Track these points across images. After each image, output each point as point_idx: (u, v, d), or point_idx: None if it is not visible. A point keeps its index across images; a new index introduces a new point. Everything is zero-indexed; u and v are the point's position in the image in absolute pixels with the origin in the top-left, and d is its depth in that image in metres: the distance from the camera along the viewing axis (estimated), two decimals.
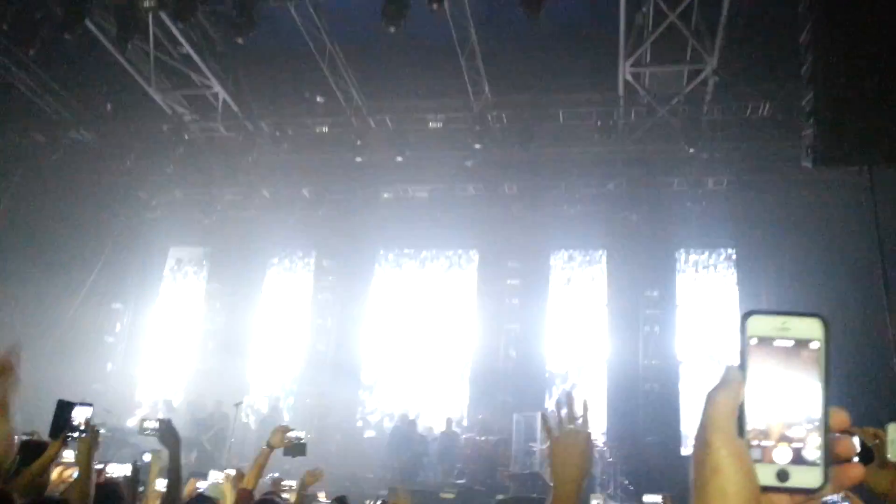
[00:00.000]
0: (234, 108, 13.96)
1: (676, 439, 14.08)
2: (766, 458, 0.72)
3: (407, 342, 17.14)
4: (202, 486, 6.51)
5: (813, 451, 0.72)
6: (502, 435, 13.57)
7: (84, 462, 3.48)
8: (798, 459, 0.72)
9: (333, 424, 15.01)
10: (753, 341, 0.74)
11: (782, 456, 0.72)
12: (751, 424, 0.72)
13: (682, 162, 13.98)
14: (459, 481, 12.54)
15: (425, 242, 16.89)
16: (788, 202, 14.04)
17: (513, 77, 13.11)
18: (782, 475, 0.71)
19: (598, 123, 13.12)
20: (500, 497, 10.28)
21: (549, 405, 14.93)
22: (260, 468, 3.79)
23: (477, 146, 13.17)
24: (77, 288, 15.00)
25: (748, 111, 13.02)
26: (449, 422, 14.21)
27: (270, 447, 3.76)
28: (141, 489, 5.50)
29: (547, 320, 16.39)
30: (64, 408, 4.03)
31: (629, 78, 12.07)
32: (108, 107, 14.44)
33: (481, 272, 16.87)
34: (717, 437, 0.71)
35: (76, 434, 3.96)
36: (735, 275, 15.66)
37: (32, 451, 4.01)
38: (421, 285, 17.48)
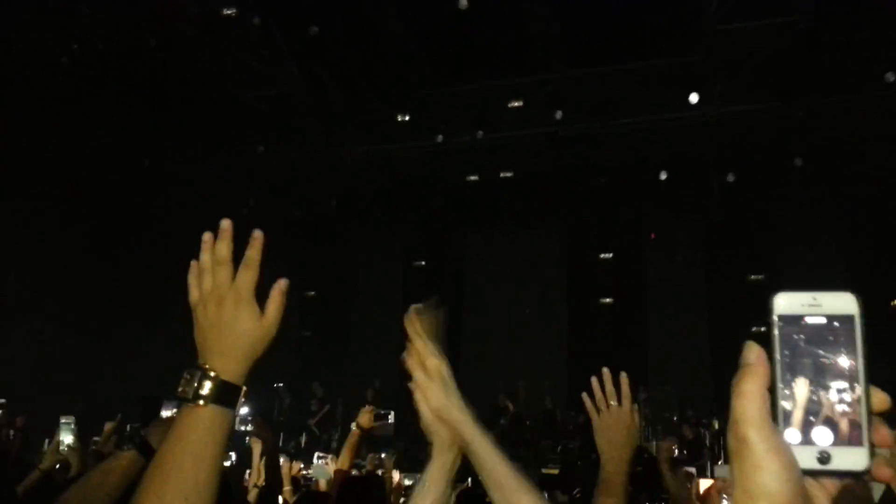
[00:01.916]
0: (315, 103, 14.21)
1: None
2: (805, 440, 0.68)
3: (501, 317, 17.07)
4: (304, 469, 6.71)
5: (855, 431, 0.68)
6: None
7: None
8: (840, 440, 0.68)
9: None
10: (782, 320, 0.71)
11: (823, 437, 0.68)
12: (787, 406, 0.69)
13: (777, 121, 13.28)
14: (563, 456, 12.45)
15: (513, 223, 16.78)
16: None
17: (592, 47, 12.77)
18: (823, 457, 0.68)
19: (686, 88, 12.63)
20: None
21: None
22: (352, 449, 3.88)
23: (558, 116, 12.90)
24: (174, 292, 15.71)
25: (848, 63, 12.19)
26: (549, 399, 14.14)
27: (360, 428, 3.84)
28: (247, 473, 5.74)
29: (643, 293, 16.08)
30: (150, 403, 4.24)
31: (715, 36, 11.56)
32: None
33: (571, 250, 16.69)
34: (754, 432, 0.68)
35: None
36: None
37: None
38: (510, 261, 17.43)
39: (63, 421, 4.14)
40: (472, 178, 15.81)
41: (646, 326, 15.82)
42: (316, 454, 8.06)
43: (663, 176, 14.11)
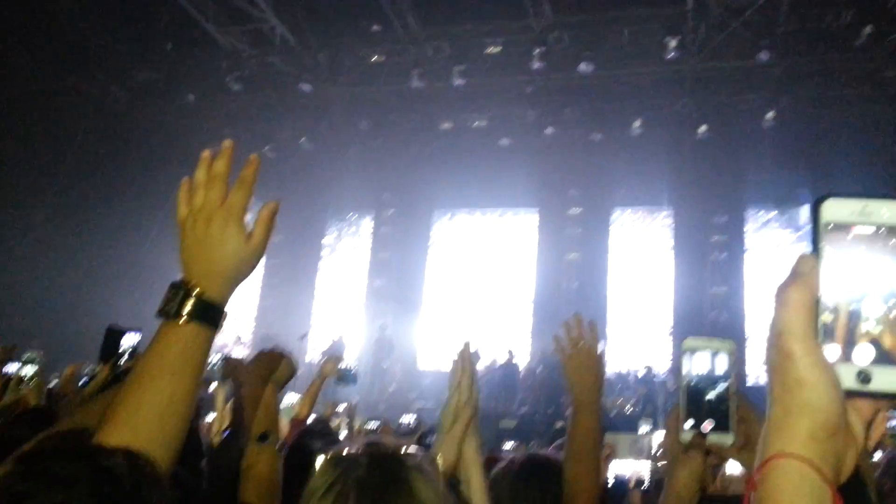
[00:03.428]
0: (291, 41, 13.86)
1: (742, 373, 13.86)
2: (845, 357, 0.64)
3: (470, 274, 17.18)
4: None
5: None
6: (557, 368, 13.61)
7: None
8: (882, 359, 0.63)
9: (394, 357, 15.29)
10: (829, 228, 0.66)
11: (864, 355, 0.64)
12: (828, 321, 0.65)
13: (756, 77, 13.22)
14: (521, 410, 12.68)
15: (485, 172, 16.65)
16: (870, 118, 13.20)
17: None
18: (864, 377, 0.64)
19: (666, 40, 12.43)
20: (560, 424, 10.41)
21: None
22: (312, 397, 3.86)
23: (537, 65, 12.65)
24: (148, 227, 15.49)
25: (828, 21, 12.12)
26: (510, 353, 14.29)
27: (322, 377, 3.82)
28: (211, 417, 5.72)
29: (609, 249, 16.13)
30: (113, 334, 4.15)
31: None
32: (168, 46, 14.57)
33: (543, 202, 16.62)
34: (798, 344, 0.64)
35: (124, 359, 4.10)
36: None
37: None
38: (482, 216, 17.40)
39: (26, 356, 4.05)
40: (447, 125, 15.58)
41: (607, 281, 15.90)
42: (288, 395, 8.05)
43: (637, 124, 14.04)
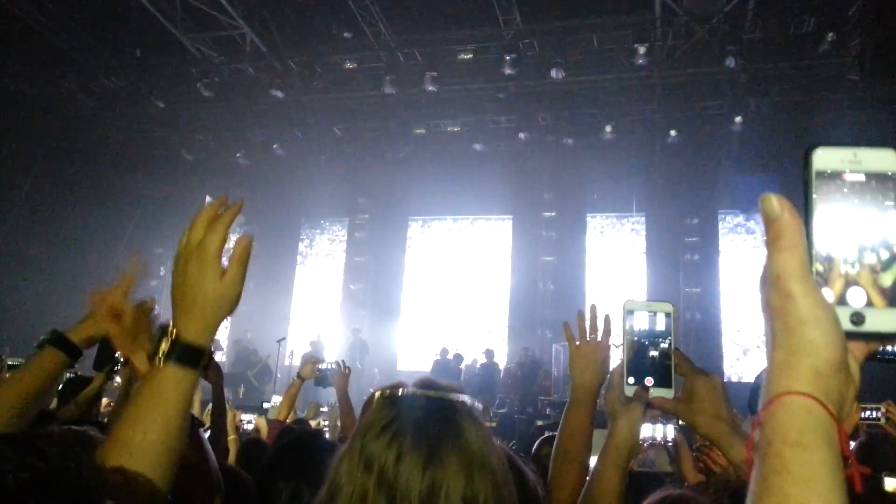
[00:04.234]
0: (262, 48, 13.82)
1: (719, 369, 14.07)
2: (838, 301, 0.66)
3: (446, 277, 17.25)
4: (246, 417, 6.70)
5: (891, 291, 0.66)
6: (543, 366, 13.72)
7: (122, 391, 3.61)
8: (875, 300, 0.66)
9: (372, 360, 15.32)
10: (820, 176, 0.68)
11: (857, 298, 0.66)
12: (819, 266, 0.67)
13: (723, 83, 13.49)
14: (500, 410, 12.75)
15: (459, 176, 16.74)
16: (834, 123, 13.54)
17: (544, 2, 12.64)
18: (857, 318, 0.66)
19: (635, 47, 12.61)
20: (539, 423, 10.47)
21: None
22: (291, 399, 3.87)
23: (508, 72, 12.76)
24: (118, 233, 15.33)
25: (791, 28, 12.42)
26: (489, 353, 14.38)
27: (301, 378, 3.83)
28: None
29: (585, 251, 16.32)
30: (108, 343, 4.14)
31: None
32: (137, 52, 14.43)
33: (516, 204, 16.77)
34: (798, 285, 0.65)
35: (118, 367, 4.10)
36: None
37: (78, 385, 4.16)
38: (454, 224, 17.47)
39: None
40: (420, 130, 15.65)
41: (585, 283, 16.10)
42: (274, 397, 8.06)
43: (608, 128, 14.22)
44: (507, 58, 12.74)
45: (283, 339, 13.61)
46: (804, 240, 0.67)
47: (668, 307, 1.48)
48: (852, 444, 3.84)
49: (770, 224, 0.68)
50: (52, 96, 14.26)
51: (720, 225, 15.90)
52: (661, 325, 1.47)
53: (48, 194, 14.03)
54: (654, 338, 1.47)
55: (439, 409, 1.17)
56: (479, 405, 1.24)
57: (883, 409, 3.78)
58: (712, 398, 1.41)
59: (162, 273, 17.29)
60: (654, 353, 1.46)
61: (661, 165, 15.20)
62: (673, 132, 14.19)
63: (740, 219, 15.84)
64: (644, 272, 15.94)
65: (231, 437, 4.61)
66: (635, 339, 1.47)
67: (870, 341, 0.68)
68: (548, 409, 12.47)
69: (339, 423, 4.00)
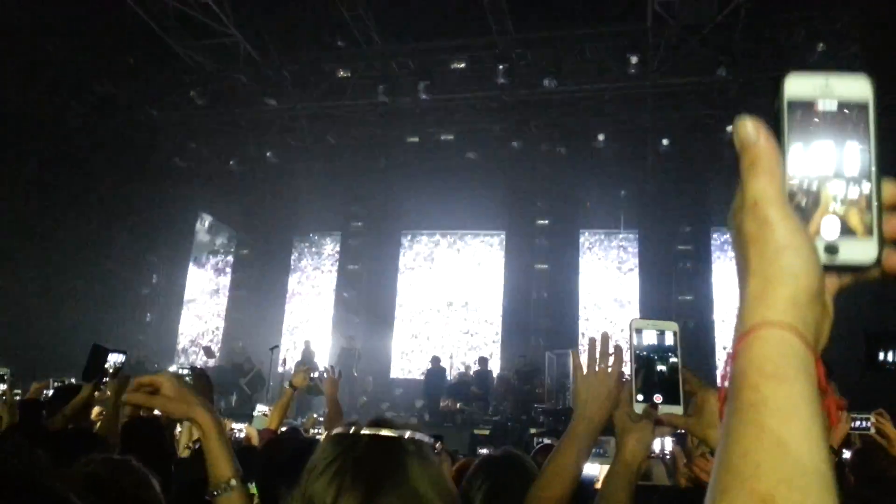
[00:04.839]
0: (256, 56, 13.83)
1: (711, 377, 14.08)
2: (812, 231, 0.65)
3: (439, 285, 17.25)
4: (237, 426, 6.69)
5: (864, 221, 0.64)
6: (536, 374, 13.73)
7: (111, 401, 3.60)
8: (848, 231, 0.64)
9: (365, 368, 15.29)
10: (792, 105, 0.66)
11: (830, 228, 0.65)
12: (793, 196, 0.65)
13: (714, 92, 13.57)
14: (494, 418, 12.73)
15: (452, 185, 16.77)
16: None
17: (536, 12, 12.70)
18: (831, 249, 0.64)
19: (627, 56, 12.68)
20: (533, 431, 10.47)
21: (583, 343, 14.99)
22: (283, 408, 3.85)
23: (501, 81, 12.82)
24: (110, 241, 15.28)
25: (782, 38, 12.51)
26: (483, 361, 14.37)
27: (293, 387, 3.82)
28: (178, 430, 5.68)
29: (579, 258, 16.36)
30: (98, 353, 4.14)
31: (658, 8, 11.63)
32: (130, 60, 14.41)
33: (509, 212, 16.81)
34: (775, 210, 0.63)
35: (107, 378, 4.09)
36: None
37: (66, 394, 4.15)
38: (447, 232, 17.48)
39: None
40: (413, 139, 15.67)
41: (579, 291, 16.14)
42: (258, 407, 8.04)
43: (601, 137, 14.28)
44: (500, 67, 12.80)
45: (276, 346, 13.58)
46: (781, 165, 0.65)
47: (674, 326, 1.55)
48: (847, 453, 3.85)
49: (746, 149, 0.66)
50: (44, 104, 14.20)
51: (714, 233, 15.96)
52: (668, 342, 1.52)
53: (40, 201, 13.97)
54: (661, 355, 1.51)
55: (384, 449, 1.15)
56: (433, 442, 1.22)
57: (873, 420, 3.79)
58: None
59: (154, 280, 17.27)
60: (662, 370, 1.50)
61: (653, 173, 15.25)
62: (665, 141, 14.27)
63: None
64: (637, 280, 15.99)
65: None
66: (644, 357, 1.51)
67: (843, 274, 0.67)
68: (541, 417, 12.47)
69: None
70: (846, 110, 0.66)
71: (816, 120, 0.66)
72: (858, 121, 0.65)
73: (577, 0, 12.32)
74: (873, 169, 0.65)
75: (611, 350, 1.82)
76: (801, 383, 0.60)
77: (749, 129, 0.66)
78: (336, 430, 1.21)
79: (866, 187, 0.64)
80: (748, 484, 0.55)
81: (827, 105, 0.66)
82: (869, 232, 0.64)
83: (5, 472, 1.00)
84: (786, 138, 0.66)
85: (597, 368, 1.80)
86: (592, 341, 1.85)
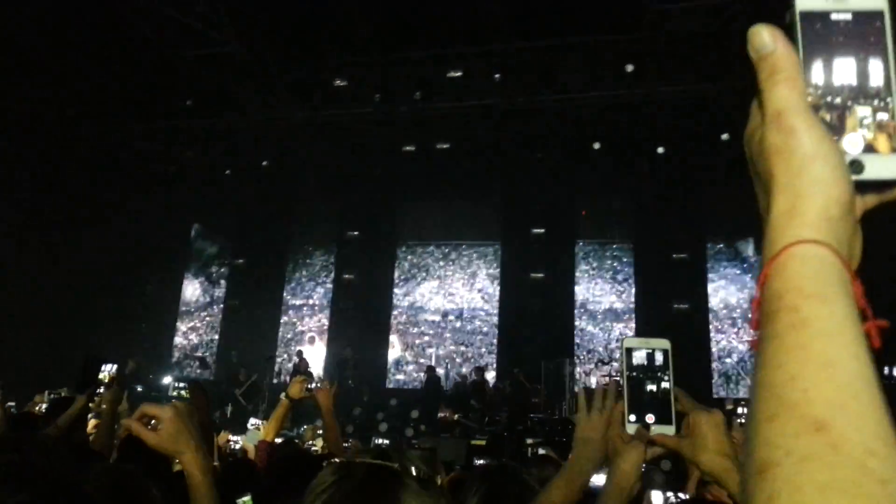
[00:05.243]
0: (252, 64, 13.80)
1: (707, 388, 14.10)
2: None
3: (435, 295, 17.21)
4: (233, 438, 6.64)
5: (889, 138, 0.61)
6: (532, 383, 13.70)
7: (105, 412, 3.56)
8: (870, 149, 0.61)
9: (361, 378, 15.21)
10: (805, 17, 0.64)
11: (854, 145, 0.62)
12: (815, 110, 0.62)
13: (710, 101, 13.60)
14: (490, 429, 12.68)
15: (448, 194, 16.74)
16: None
17: (532, 21, 12.73)
18: (856, 166, 0.61)
19: (623, 65, 12.71)
20: (529, 441, 10.43)
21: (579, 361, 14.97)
22: (279, 419, 3.81)
23: (497, 90, 12.85)
24: (104, 249, 15.21)
25: None
26: (478, 371, 14.33)
27: (289, 398, 3.78)
28: None
29: (574, 266, 16.35)
30: (91, 364, 4.10)
31: (653, 17, 11.68)
32: (126, 67, 14.37)
33: (505, 221, 16.80)
34: (801, 119, 0.59)
35: (101, 389, 4.04)
36: None
37: (62, 407, 4.10)
38: (446, 238, 17.46)
39: None
40: (409, 148, 15.66)
41: (573, 301, 16.11)
42: (251, 420, 8.00)
43: (597, 146, 14.30)
44: (496, 76, 12.82)
45: (272, 356, 13.50)
46: (802, 72, 0.62)
47: (666, 344, 1.51)
48: None
49: (763, 59, 0.63)
50: (36, 111, 14.15)
51: (708, 243, 15.97)
52: (659, 361, 1.48)
53: (32, 209, 13.92)
54: (653, 375, 1.48)
55: (378, 478, 1.16)
56: (430, 473, 1.21)
57: None
58: (715, 434, 1.41)
59: (149, 291, 17.19)
60: (653, 389, 1.47)
61: (649, 182, 15.25)
62: (661, 149, 14.30)
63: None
64: (632, 287, 15.98)
65: (214, 463, 4.55)
66: (635, 376, 1.48)
67: (867, 192, 0.63)
68: (537, 427, 12.43)
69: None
70: (862, 20, 0.63)
71: (831, 31, 0.63)
72: (875, 30, 0.62)
73: (573, 9, 12.34)
74: (893, 82, 0.62)
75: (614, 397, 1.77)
76: (843, 302, 0.56)
77: (765, 36, 0.63)
78: (341, 461, 1.22)
79: (887, 101, 0.62)
80: (798, 409, 0.53)
81: (842, 16, 0.63)
82: (894, 149, 0.61)
83: (54, 480, 1.05)
84: (800, 52, 0.63)
85: (600, 412, 1.76)
86: (601, 389, 1.81)
